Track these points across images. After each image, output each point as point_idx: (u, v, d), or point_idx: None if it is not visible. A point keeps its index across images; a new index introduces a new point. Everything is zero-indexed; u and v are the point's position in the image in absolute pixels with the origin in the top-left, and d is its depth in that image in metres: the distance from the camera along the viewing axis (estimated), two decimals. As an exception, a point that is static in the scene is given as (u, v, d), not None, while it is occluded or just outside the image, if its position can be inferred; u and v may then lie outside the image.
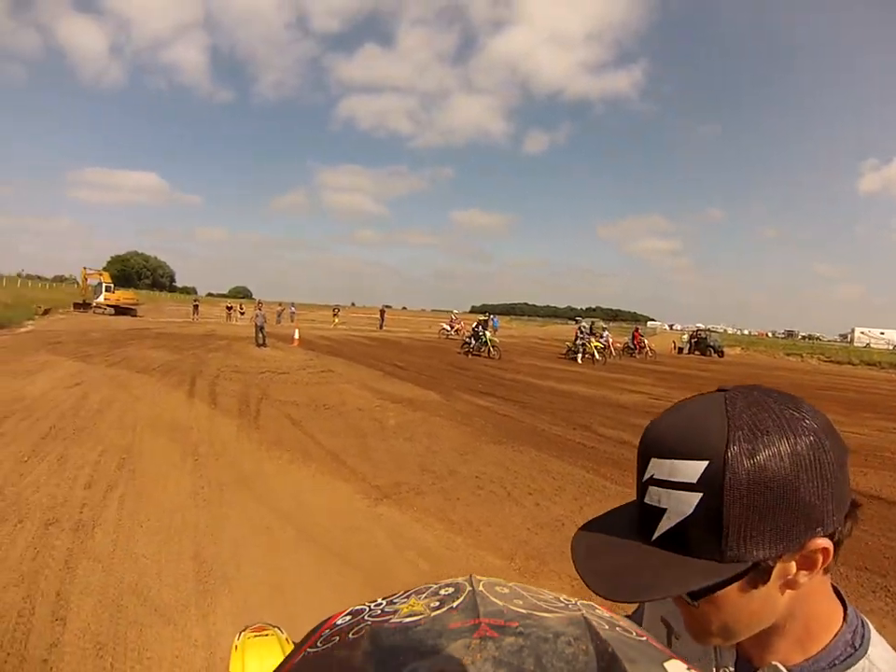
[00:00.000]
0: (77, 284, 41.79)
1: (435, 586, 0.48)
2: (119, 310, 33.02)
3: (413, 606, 0.44)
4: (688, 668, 0.40)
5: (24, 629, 3.12)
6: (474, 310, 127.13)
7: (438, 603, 0.44)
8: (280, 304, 44.21)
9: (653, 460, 0.67)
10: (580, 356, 23.63)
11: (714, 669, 0.80)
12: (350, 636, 0.42)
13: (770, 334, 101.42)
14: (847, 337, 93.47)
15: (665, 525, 0.66)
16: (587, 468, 7.22)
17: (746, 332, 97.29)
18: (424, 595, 0.46)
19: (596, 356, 23.41)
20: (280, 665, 0.45)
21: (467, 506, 5.71)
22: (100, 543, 4.19)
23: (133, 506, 4.89)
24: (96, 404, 8.30)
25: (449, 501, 5.81)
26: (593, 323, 25.95)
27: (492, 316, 34.68)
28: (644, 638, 0.44)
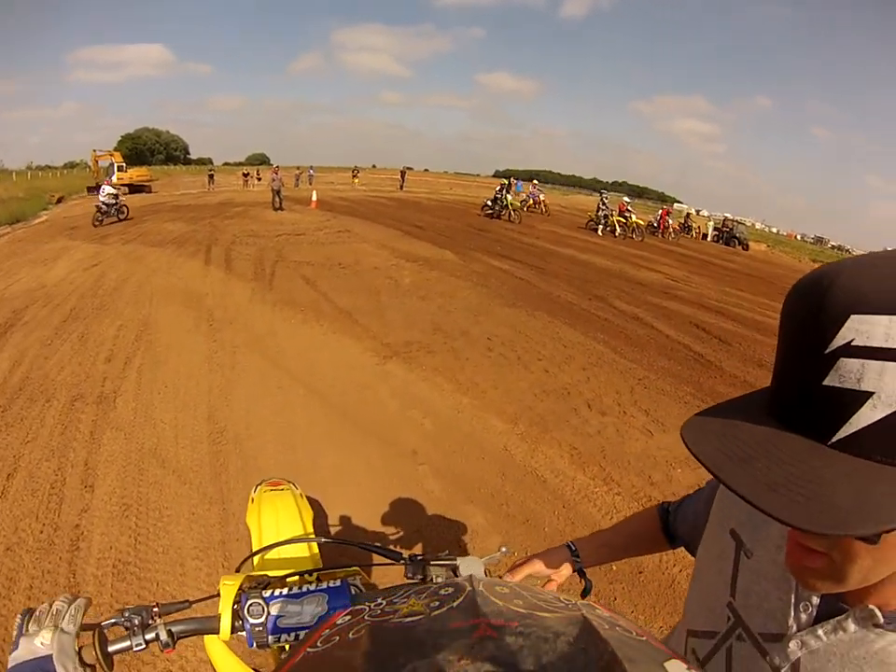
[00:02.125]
0: (89, 167, 40.80)
1: (435, 586, 0.47)
2: (133, 188, 32.25)
3: (412, 606, 0.44)
4: (688, 668, 0.38)
5: (57, 499, 3.30)
6: (497, 174, 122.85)
7: (438, 603, 0.43)
8: (298, 168, 43.14)
9: (854, 317, 0.46)
10: (601, 227, 22.82)
11: (793, 600, 0.69)
12: (350, 635, 0.42)
13: (799, 237, 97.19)
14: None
15: (864, 417, 0.46)
16: (598, 339, 7.16)
17: (775, 230, 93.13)
18: (424, 595, 0.46)
19: (618, 229, 22.65)
20: (280, 665, 0.46)
21: (475, 367, 5.77)
22: (121, 413, 4.36)
23: (151, 375, 5.03)
24: (113, 282, 8.37)
25: (458, 361, 5.87)
26: (602, 195, 24.64)
27: (515, 181, 33.52)
28: (644, 638, 0.42)
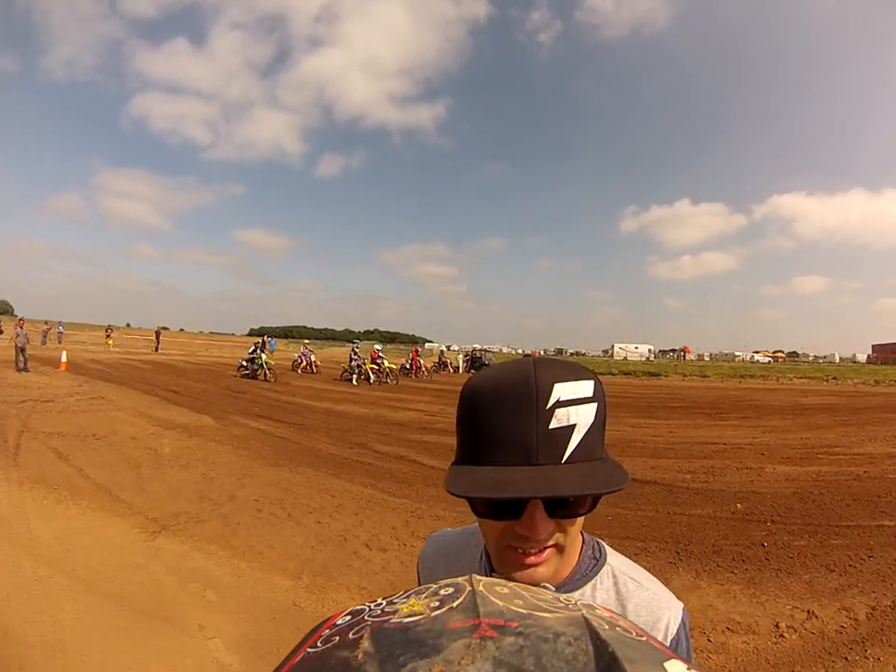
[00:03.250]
0: None
1: (435, 586, 0.47)
2: None
3: (413, 606, 0.43)
4: (688, 668, 0.38)
5: None
6: (252, 332, 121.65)
7: (438, 603, 0.42)
8: (46, 323, 38.82)
9: (557, 385, 0.72)
10: (355, 377, 23.43)
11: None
12: (350, 635, 0.41)
13: (542, 352, 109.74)
14: (608, 352, 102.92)
15: (576, 439, 0.71)
16: (365, 483, 7.36)
17: (520, 351, 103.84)
18: (424, 595, 0.45)
19: (371, 377, 23.36)
20: (280, 665, 0.45)
21: (248, 530, 5.61)
22: None
23: None
24: None
25: (230, 527, 5.66)
26: (354, 345, 25.48)
27: (269, 339, 33.73)
28: (644, 638, 0.43)
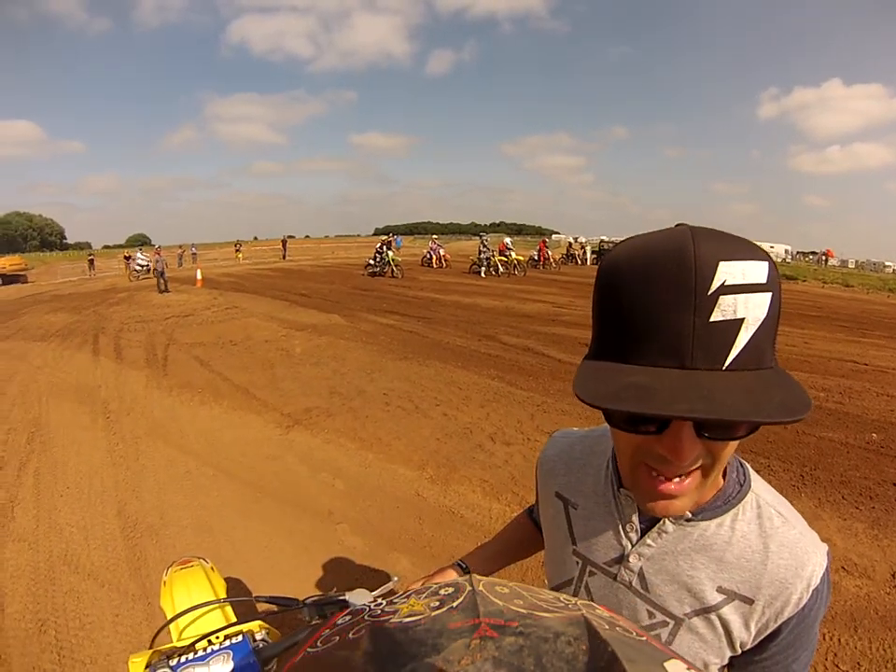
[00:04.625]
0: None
1: (435, 586, 0.47)
2: (7, 279, 29.60)
3: (413, 606, 0.43)
4: (688, 668, 0.38)
5: (-37, 629, 2.97)
6: (377, 232, 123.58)
7: (438, 603, 0.42)
8: (180, 247, 41.57)
9: (723, 264, 0.56)
10: (483, 269, 23.10)
11: (620, 526, 0.82)
12: (350, 635, 0.41)
13: None
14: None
15: (743, 338, 0.56)
16: (492, 376, 7.33)
17: None
18: (424, 595, 0.45)
19: (500, 269, 23.08)
20: (281, 665, 0.44)
21: (376, 423, 5.79)
22: (21, 523, 4.00)
23: (50, 477, 4.67)
24: (-5, 384, 7.72)
25: (359, 420, 5.87)
26: (483, 238, 25.00)
27: (395, 236, 33.89)
28: (644, 638, 0.42)
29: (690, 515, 0.76)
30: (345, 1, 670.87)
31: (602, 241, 40.48)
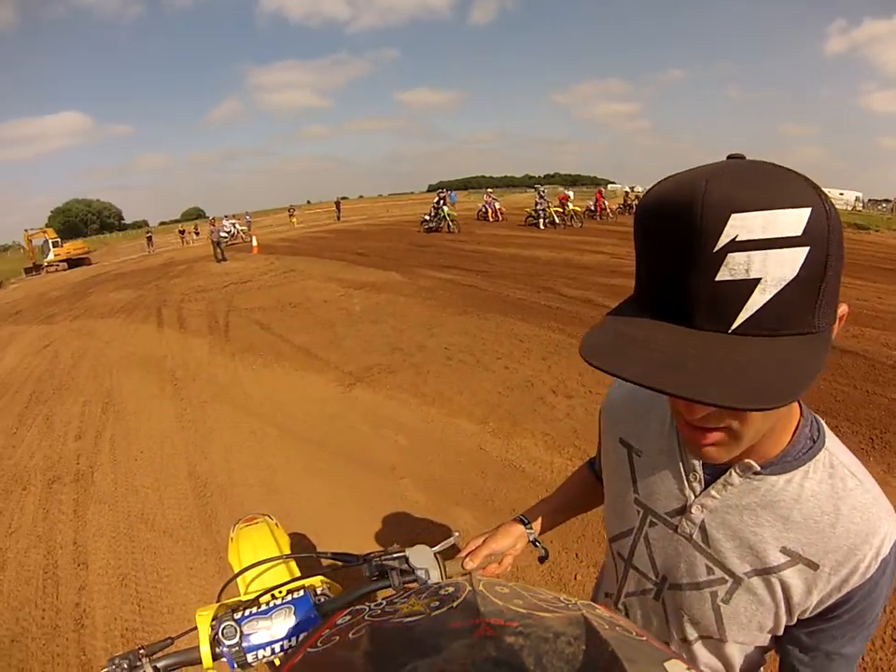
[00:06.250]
0: (23, 248, 39.49)
1: (435, 586, 0.47)
2: (72, 262, 31.26)
3: (413, 605, 0.43)
4: (688, 668, 0.38)
5: (52, 583, 3.22)
6: (431, 188, 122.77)
7: (438, 603, 0.42)
8: (235, 217, 42.55)
9: (735, 217, 0.49)
10: (541, 221, 22.59)
11: (683, 476, 0.80)
12: (350, 635, 0.41)
13: None
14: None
15: (757, 300, 0.50)
16: (553, 328, 7.23)
17: None
18: (424, 595, 0.45)
19: (557, 220, 22.62)
20: (281, 665, 0.46)
21: (437, 377, 5.81)
22: (101, 486, 4.27)
23: (124, 444, 4.94)
24: (69, 360, 8.14)
25: (420, 375, 5.91)
26: (539, 189, 24.26)
27: (449, 192, 33.63)
28: (644, 638, 0.42)
29: (758, 468, 0.71)
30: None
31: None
